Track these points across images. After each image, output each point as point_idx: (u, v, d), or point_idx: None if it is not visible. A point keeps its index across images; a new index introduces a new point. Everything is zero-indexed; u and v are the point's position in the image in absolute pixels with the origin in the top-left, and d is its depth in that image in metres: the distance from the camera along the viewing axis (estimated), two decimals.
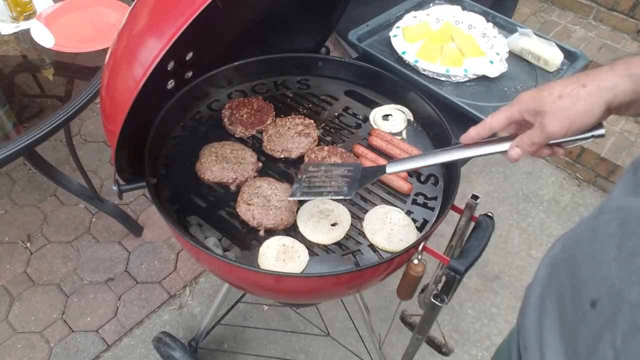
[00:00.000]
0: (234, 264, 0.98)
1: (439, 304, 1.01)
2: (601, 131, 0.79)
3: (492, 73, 1.56)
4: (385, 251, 1.10)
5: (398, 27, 1.70)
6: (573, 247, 0.71)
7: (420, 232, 1.14)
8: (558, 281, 0.72)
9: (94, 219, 2.43)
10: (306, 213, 1.14)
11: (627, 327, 0.55)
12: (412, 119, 1.40)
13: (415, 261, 1.02)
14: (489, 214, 1.06)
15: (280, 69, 1.50)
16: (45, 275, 2.21)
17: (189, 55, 1.22)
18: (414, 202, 1.21)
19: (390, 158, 1.28)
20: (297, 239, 1.11)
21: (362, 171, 1.05)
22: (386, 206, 1.18)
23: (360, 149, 1.29)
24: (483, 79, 1.57)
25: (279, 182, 1.20)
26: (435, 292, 1.03)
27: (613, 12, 3.20)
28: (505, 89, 1.55)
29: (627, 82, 0.72)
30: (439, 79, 1.56)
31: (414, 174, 1.27)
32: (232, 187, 1.21)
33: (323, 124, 1.39)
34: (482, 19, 1.72)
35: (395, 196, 1.21)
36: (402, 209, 1.18)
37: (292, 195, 1.04)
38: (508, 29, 1.77)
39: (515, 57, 1.67)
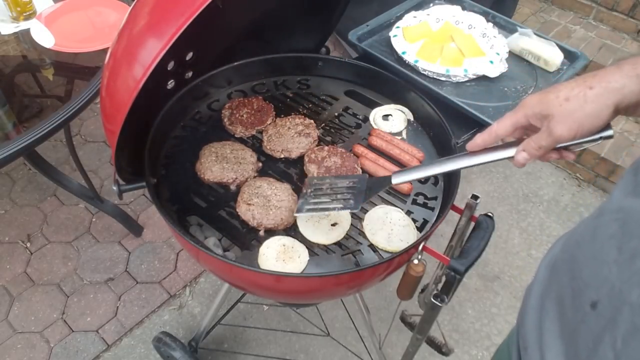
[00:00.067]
0: (234, 264, 0.98)
1: (439, 304, 1.01)
2: (609, 132, 0.77)
3: (492, 73, 1.56)
4: (385, 251, 1.10)
5: (398, 27, 1.70)
6: (573, 248, 0.71)
7: (420, 232, 1.14)
8: (558, 282, 0.72)
9: (94, 219, 2.43)
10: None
11: (627, 328, 0.55)
12: (412, 119, 1.40)
13: (415, 261, 1.02)
14: (489, 214, 1.06)
15: (280, 69, 1.50)
16: (45, 275, 2.21)
17: (189, 55, 1.22)
18: (414, 202, 1.21)
19: (390, 158, 1.28)
20: (297, 239, 1.11)
21: (367, 182, 1.03)
22: (386, 206, 1.18)
23: (360, 149, 1.29)
24: (483, 79, 1.57)
25: (279, 182, 1.20)
26: (435, 292, 1.03)
27: (613, 12, 3.20)
28: (505, 89, 1.55)
29: (635, 83, 0.71)
30: (439, 79, 1.56)
31: None
32: (232, 187, 1.21)
33: (323, 124, 1.39)
34: (482, 19, 1.72)
35: (395, 196, 1.21)
36: (402, 209, 1.18)
37: (298, 211, 1.03)
38: (508, 29, 1.77)
39: (515, 57, 1.67)
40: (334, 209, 1.00)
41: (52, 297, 2.15)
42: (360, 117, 1.41)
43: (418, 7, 1.82)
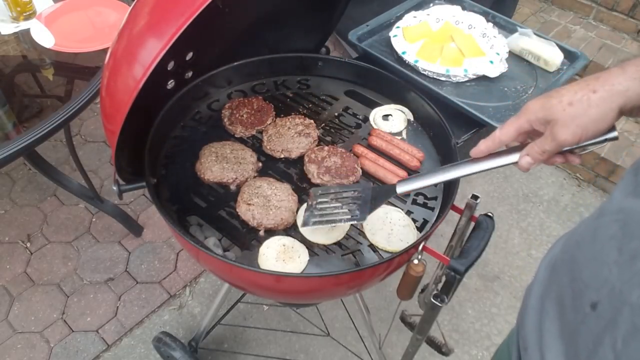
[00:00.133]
0: (234, 264, 0.98)
1: (439, 304, 1.01)
2: (614, 134, 0.76)
3: (492, 73, 1.56)
4: (385, 251, 1.10)
5: (398, 27, 1.70)
6: (573, 248, 0.71)
7: (420, 232, 1.14)
8: (558, 283, 0.72)
9: (94, 219, 2.43)
10: None
11: (627, 329, 0.55)
12: (412, 119, 1.40)
13: (415, 261, 1.02)
14: (489, 214, 1.06)
15: (280, 69, 1.50)
16: (45, 275, 2.21)
17: (189, 55, 1.22)
18: (414, 202, 1.21)
19: (390, 158, 1.28)
20: (297, 239, 1.11)
21: (372, 192, 1.03)
22: (386, 206, 1.18)
23: (360, 149, 1.29)
24: (483, 79, 1.57)
25: (279, 182, 1.20)
26: (435, 292, 1.03)
27: (613, 12, 3.20)
28: (505, 89, 1.55)
29: (639, 85, 0.70)
30: (439, 79, 1.56)
31: (414, 173, 1.27)
32: (232, 187, 1.21)
33: (323, 124, 1.39)
34: (482, 19, 1.72)
35: (395, 196, 1.21)
36: (402, 209, 1.18)
37: (305, 224, 1.03)
38: (508, 29, 1.77)
39: (515, 57, 1.67)
40: (340, 220, 1.00)
41: (52, 297, 2.15)
42: (360, 117, 1.41)
43: (418, 7, 1.82)
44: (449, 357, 1.61)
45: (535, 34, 1.68)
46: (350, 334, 2.09)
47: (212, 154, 1.24)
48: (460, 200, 1.07)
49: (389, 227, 1.13)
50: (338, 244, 1.11)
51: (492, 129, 1.39)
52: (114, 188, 1.10)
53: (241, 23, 1.32)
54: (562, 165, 2.89)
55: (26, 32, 1.66)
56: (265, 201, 1.13)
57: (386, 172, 1.23)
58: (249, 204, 1.13)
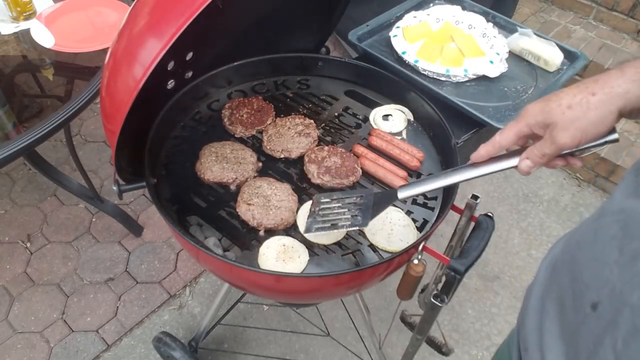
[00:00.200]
0: (234, 264, 0.98)
1: (439, 304, 1.01)
2: (614, 136, 0.76)
3: (492, 73, 1.56)
4: (385, 251, 1.10)
5: (398, 27, 1.70)
6: (574, 249, 0.71)
7: (420, 232, 1.14)
8: (559, 283, 0.72)
9: (94, 219, 2.43)
10: (306, 213, 1.14)
11: (628, 330, 0.55)
12: (412, 119, 1.40)
13: (415, 261, 1.02)
14: (489, 214, 1.06)
15: (280, 69, 1.50)
16: (45, 275, 2.21)
17: (189, 55, 1.22)
18: (414, 202, 1.21)
19: (390, 158, 1.28)
20: (297, 239, 1.11)
21: (374, 197, 1.03)
22: None
23: (360, 149, 1.29)
24: (483, 79, 1.57)
25: (279, 182, 1.20)
26: (435, 292, 1.03)
27: (613, 12, 3.20)
28: (505, 89, 1.55)
29: (639, 87, 0.70)
30: (439, 79, 1.56)
31: (414, 173, 1.27)
32: (232, 187, 1.21)
33: (323, 124, 1.39)
34: (482, 19, 1.72)
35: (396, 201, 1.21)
36: (402, 209, 1.18)
37: (307, 230, 1.03)
38: (508, 29, 1.77)
39: (515, 57, 1.67)
40: (342, 226, 1.01)
41: (52, 297, 2.15)
42: (360, 117, 1.41)
43: (418, 7, 1.82)
44: (449, 357, 1.61)
45: (535, 34, 1.68)
46: (350, 334, 2.09)
47: (212, 154, 1.24)
48: (460, 200, 1.06)
49: (389, 227, 1.13)
50: (338, 244, 1.12)
51: (492, 129, 1.39)
52: (114, 188, 1.10)
53: (241, 23, 1.32)
54: None
55: (26, 32, 1.66)
56: (265, 201, 1.13)
57: (386, 172, 1.23)
58: (249, 204, 1.13)
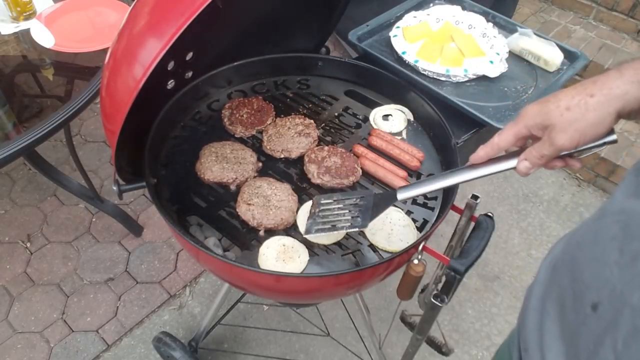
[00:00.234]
0: (234, 264, 0.98)
1: (439, 304, 1.01)
2: (613, 137, 0.76)
3: (492, 73, 1.56)
4: (385, 251, 1.10)
5: (398, 27, 1.70)
6: (574, 249, 0.71)
7: (420, 232, 1.14)
8: (559, 283, 0.72)
9: (94, 219, 2.43)
10: (306, 213, 1.14)
11: (628, 331, 0.55)
12: (412, 119, 1.40)
13: (415, 261, 1.02)
14: (489, 214, 1.06)
15: (280, 69, 1.50)
16: (45, 275, 2.21)
17: (189, 55, 1.22)
18: (414, 202, 1.21)
19: (390, 158, 1.28)
20: (297, 239, 1.11)
21: (373, 198, 1.04)
22: None
23: (360, 149, 1.29)
24: (483, 79, 1.57)
25: (279, 182, 1.20)
26: (435, 292, 1.03)
27: (613, 12, 3.20)
28: (505, 89, 1.55)
29: (637, 89, 0.69)
30: (439, 79, 1.56)
31: (414, 173, 1.27)
32: (232, 187, 1.21)
33: (323, 124, 1.39)
34: (482, 19, 1.72)
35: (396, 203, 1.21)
36: (402, 209, 1.18)
37: (307, 232, 1.03)
38: (508, 29, 1.77)
39: (515, 57, 1.67)
40: (342, 228, 1.01)
41: (52, 297, 2.15)
42: (360, 117, 1.41)
43: (418, 7, 1.82)
44: (449, 357, 1.61)
45: (535, 34, 1.68)
46: (350, 334, 2.09)
47: (212, 154, 1.24)
48: (460, 200, 1.06)
49: (389, 227, 1.13)
50: (338, 244, 1.12)
51: (492, 129, 1.39)
52: (114, 188, 1.10)
53: (241, 23, 1.32)
54: None
55: (26, 32, 1.66)
56: (265, 201, 1.13)
57: (386, 172, 1.23)
58: (249, 204, 1.13)
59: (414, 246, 1.00)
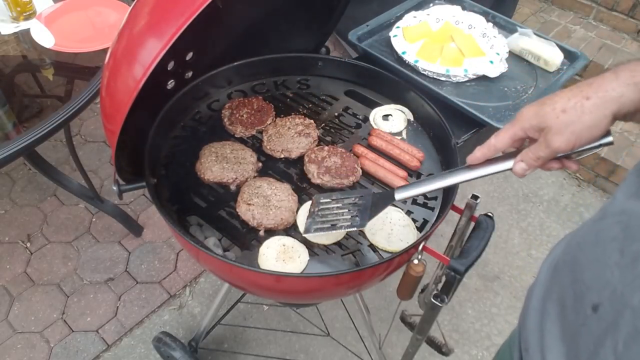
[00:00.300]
0: (234, 264, 0.98)
1: (439, 304, 1.01)
2: (609, 139, 0.76)
3: (492, 73, 1.56)
4: (385, 251, 1.10)
5: (398, 27, 1.70)
6: (575, 250, 0.71)
7: (420, 232, 1.14)
8: (560, 284, 0.72)
9: (94, 219, 2.43)
10: (306, 213, 1.14)
11: (629, 332, 0.55)
12: (412, 119, 1.40)
13: (415, 261, 1.02)
14: (489, 214, 1.06)
15: (280, 69, 1.50)
16: (45, 275, 2.21)
17: (189, 55, 1.22)
18: (414, 202, 1.21)
19: (390, 158, 1.28)
20: (297, 239, 1.11)
21: (372, 198, 1.04)
22: None
23: (360, 149, 1.29)
24: (483, 79, 1.57)
25: (279, 182, 1.20)
26: (435, 292, 1.03)
27: (613, 12, 3.20)
28: (505, 89, 1.55)
29: (633, 91, 0.69)
30: (439, 79, 1.56)
31: (414, 173, 1.27)
32: (232, 187, 1.21)
33: (323, 124, 1.39)
34: (482, 19, 1.72)
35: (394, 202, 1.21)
36: (402, 209, 1.18)
37: (307, 231, 1.04)
38: (508, 29, 1.77)
39: (515, 57, 1.67)
40: (340, 227, 1.02)
41: (52, 297, 2.15)
42: (360, 117, 1.41)
43: (418, 7, 1.82)
44: (449, 357, 1.61)
45: (535, 34, 1.68)
46: (350, 334, 2.09)
47: (212, 154, 1.24)
48: (460, 200, 1.06)
49: (389, 227, 1.13)
50: (338, 244, 1.11)
51: (492, 129, 1.39)
52: (114, 188, 1.10)
53: (241, 23, 1.32)
54: None
55: (26, 32, 1.66)
56: (265, 201, 1.13)
57: (386, 172, 1.23)
58: (249, 204, 1.13)
59: (414, 246, 1.00)
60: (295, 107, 1.44)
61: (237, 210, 1.14)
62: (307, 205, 1.16)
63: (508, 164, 0.86)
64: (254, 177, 1.23)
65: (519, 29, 1.72)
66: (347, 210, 1.04)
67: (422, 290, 1.23)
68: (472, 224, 1.08)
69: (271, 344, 2.07)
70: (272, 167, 1.28)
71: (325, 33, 1.56)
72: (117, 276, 2.23)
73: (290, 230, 1.14)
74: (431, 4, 1.85)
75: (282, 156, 1.28)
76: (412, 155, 1.27)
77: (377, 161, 1.26)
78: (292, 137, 1.29)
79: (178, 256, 2.32)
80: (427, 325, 1.15)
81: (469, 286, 2.30)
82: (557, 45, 1.65)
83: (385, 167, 1.24)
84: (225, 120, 1.35)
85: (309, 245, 1.10)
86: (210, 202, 1.19)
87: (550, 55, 1.61)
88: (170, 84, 1.26)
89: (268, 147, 1.29)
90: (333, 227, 1.02)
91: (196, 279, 2.25)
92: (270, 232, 1.12)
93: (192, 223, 1.15)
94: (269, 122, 1.35)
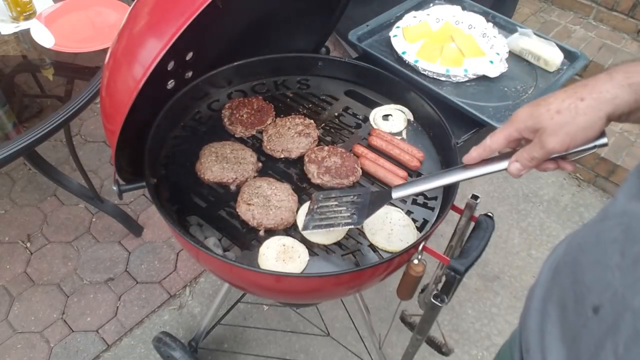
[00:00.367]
0: (234, 264, 0.98)
1: (439, 304, 1.01)
2: (604, 140, 0.76)
3: (492, 73, 1.56)
4: (385, 251, 1.10)
5: (398, 27, 1.70)
6: (576, 251, 0.71)
7: (420, 232, 1.14)
8: (560, 285, 0.72)
9: (94, 219, 2.43)
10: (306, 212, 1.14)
11: (629, 334, 0.55)
12: (412, 119, 1.40)
13: (415, 261, 1.02)
14: (489, 214, 1.06)
15: (280, 69, 1.49)
16: (45, 275, 2.21)
17: (189, 55, 1.22)
18: (414, 202, 1.20)
19: (390, 158, 1.28)
20: (297, 239, 1.11)
21: (370, 196, 1.06)
22: (386, 206, 1.17)
23: (360, 149, 1.29)
24: (483, 79, 1.57)
25: (279, 182, 1.20)
26: (435, 292, 1.03)
27: (613, 12, 3.20)
28: (505, 89, 1.55)
29: (628, 92, 0.69)
30: (439, 79, 1.56)
31: (414, 173, 1.27)
32: (232, 187, 1.21)
33: (323, 124, 1.39)
34: (482, 19, 1.72)
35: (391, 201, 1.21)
36: (402, 209, 1.18)
37: (305, 228, 1.06)
38: (508, 29, 1.77)
39: (515, 57, 1.67)
40: (338, 225, 1.03)
41: (52, 297, 2.15)
42: (360, 117, 1.41)
43: (418, 7, 1.82)
44: (449, 357, 1.61)
45: (535, 34, 1.68)
46: (350, 334, 2.09)
47: (212, 154, 1.24)
48: (460, 200, 1.07)
49: (389, 227, 1.13)
50: (338, 244, 1.11)
51: (492, 129, 1.39)
52: (114, 188, 1.10)
53: (241, 23, 1.32)
54: None
55: (26, 32, 1.66)
56: (265, 201, 1.13)
57: (386, 172, 1.23)
58: (249, 204, 1.13)
59: (414, 246, 1.00)
60: (295, 107, 1.44)
61: (237, 210, 1.14)
62: (307, 205, 1.16)
63: (503, 164, 0.87)
64: (254, 177, 1.23)
65: (519, 29, 1.72)
66: (345, 208, 1.05)
67: (422, 290, 1.23)
68: (472, 224, 1.08)
69: (271, 344, 2.07)
70: (272, 167, 1.28)
71: (325, 33, 1.56)
72: (117, 276, 2.23)
73: (290, 230, 1.14)
74: (431, 4, 1.85)
75: (282, 156, 1.28)
76: (412, 155, 1.27)
77: (377, 161, 1.26)
78: (292, 137, 1.29)
79: (178, 256, 2.32)
80: (427, 325, 1.15)
81: (469, 286, 2.30)
82: (557, 45, 1.65)
83: (385, 167, 1.24)
84: (225, 120, 1.35)
85: (309, 245, 1.10)
86: (210, 202, 1.19)
87: (550, 55, 1.61)
88: (170, 84, 1.26)
89: (268, 147, 1.29)
90: (330, 225, 1.04)
91: (196, 279, 2.25)
92: (270, 232, 1.12)
93: (192, 223, 1.15)
94: (269, 122, 1.35)
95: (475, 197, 1.07)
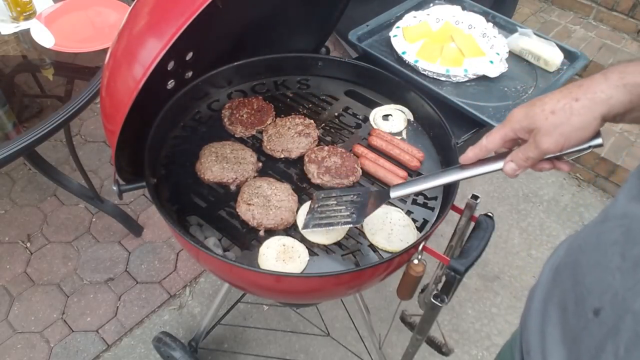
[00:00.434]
0: (234, 264, 0.98)
1: (439, 304, 1.01)
2: (599, 141, 0.76)
3: (492, 73, 1.55)
4: (385, 251, 1.10)
5: (398, 27, 1.70)
6: (577, 252, 0.71)
7: (420, 232, 1.14)
8: (561, 287, 0.71)
9: (94, 219, 2.43)
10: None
11: (630, 337, 0.55)
12: (412, 119, 1.40)
13: (415, 261, 1.02)
14: (489, 214, 1.06)
15: (280, 69, 1.49)
16: (45, 275, 2.21)
17: (189, 55, 1.22)
18: (414, 202, 1.20)
19: (390, 158, 1.28)
20: (297, 239, 1.11)
21: (368, 195, 1.07)
22: (386, 206, 1.18)
23: (360, 149, 1.29)
24: (483, 79, 1.57)
25: (279, 182, 1.20)
26: (435, 292, 1.03)
27: (613, 12, 3.20)
28: (505, 89, 1.55)
29: (622, 93, 0.69)
30: (439, 79, 1.56)
31: (414, 173, 1.27)
32: (232, 187, 1.21)
33: (323, 124, 1.39)
34: (482, 19, 1.72)
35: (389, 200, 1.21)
36: (402, 209, 1.18)
37: (305, 227, 1.07)
38: (508, 29, 1.77)
39: (515, 57, 1.67)
40: (337, 224, 1.04)
41: (52, 297, 2.15)
42: (360, 117, 1.41)
43: (418, 7, 1.82)
44: (449, 357, 1.61)
45: (535, 34, 1.68)
46: (350, 334, 2.09)
47: (212, 154, 1.24)
48: (460, 200, 1.07)
49: (389, 227, 1.13)
50: (338, 244, 1.11)
51: (492, 129, 1.39)
52: (114, 188, 1.10)
53: (241, 23, 1.32)
54: None
55: (26, 32, 1.66)
56: (265, 201, 1.13)
57: (386, 172, 1.23)
58: (249, 204, 1.13)
59: (414, 246, 1.00)
60: (295, 107, 1.44)
61: (237, 210, 1.14)
62: (307, 205, 1.16)
63: (499, 165, 0.87)
64: (254, 177, 1.23)
65: (519, 29, 1.72)
66: (344, 207, 1.06)
67: (422, 290, 1.23)
68: (472, 224, 1.08)
69: (271, 344, 2.07)
70: (272, 167, 1.28)
71: (325, 33, 1.56)
72: (117, 276, 2.23)
73: (290, 230, 1.14)
74: (431, 4, 1.85)
75: (282, 156, 1.28)
76: (412, 155, 1.27)
77: (377, 161, 1.26)
78: (292, 137, 1.29)
79: (178, 256, 2.32)
80: (427, 325, 1.15)
81: (469, 286, 2.30)
82: (557, 45, 1.65)
83: (385, 167, 1.24)
84: (225, 120, 1.35)
85: (309, 245, 1.10)
86: (210, 202, 1.19)
87: (550, 55, 1.61)
88: (170, 84, 1.26)
89: (268, 147, 1.29)
90: (330, 224, 1.05)
91: (196, 279, 2.25)
92: (270, 232, 1.12)
93: (192, 223, 1.15)
94: (269, 122, 1.35)
95: (475, 197, 1.07)
